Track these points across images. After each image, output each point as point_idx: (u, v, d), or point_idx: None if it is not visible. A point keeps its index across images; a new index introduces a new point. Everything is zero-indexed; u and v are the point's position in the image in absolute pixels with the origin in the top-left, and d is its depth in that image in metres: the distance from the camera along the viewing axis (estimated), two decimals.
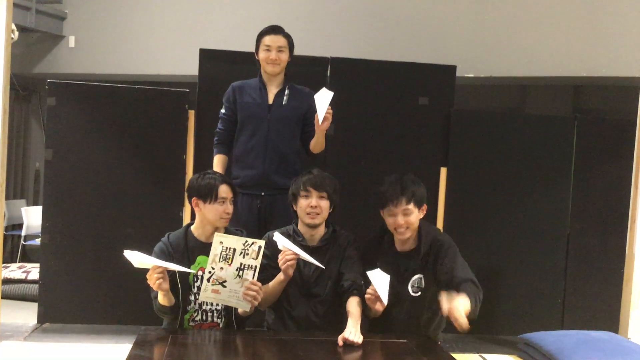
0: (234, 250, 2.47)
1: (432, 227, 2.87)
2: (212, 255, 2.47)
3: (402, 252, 2.78)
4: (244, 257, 2.47)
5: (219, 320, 2.67)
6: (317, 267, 2.72)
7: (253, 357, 2.41)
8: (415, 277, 2.73)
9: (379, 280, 2.48)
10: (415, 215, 2.71)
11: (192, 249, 2.66)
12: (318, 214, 2.70)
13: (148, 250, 2.63)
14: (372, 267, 2.76)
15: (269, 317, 2.83)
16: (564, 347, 2.88)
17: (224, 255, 2.47)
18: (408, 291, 2.73)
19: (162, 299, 2.54)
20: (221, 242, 2.47)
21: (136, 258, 2.42)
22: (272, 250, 2.68)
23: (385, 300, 2.47)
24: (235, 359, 2.41)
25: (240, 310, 2.60)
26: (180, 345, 2.39)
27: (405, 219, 2.69)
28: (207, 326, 2.66)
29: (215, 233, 2.51)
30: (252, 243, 2.48)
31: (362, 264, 2.78)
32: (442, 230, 3.74)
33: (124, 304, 3.70)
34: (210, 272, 2.48)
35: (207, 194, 2.64)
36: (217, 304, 2.66)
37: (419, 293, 2.73)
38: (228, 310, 2.66)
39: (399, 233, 2.71)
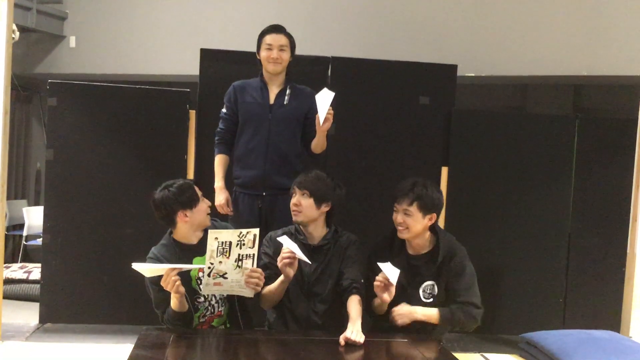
0: (230, 243, 2.47)
1: (448, 236, 2.84)
2: (208, 251, 2.46)
3: (414, 256, 2.77)
4: (240, 247, 2.48)
5: (222, 309, 2.69)
6: (318, 266, 2.73)
7: (254, 357, 2.41)
8: (428, 283, 2.73)
9: (389, 272, 2.48)
10: (417, 219, 2.69)
11: (186, 254, 2.64)
12: (300, 212, 2.72)
13: (148, 251, 2.63)
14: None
15: (270, 316, 2.84)
16: (566, 346, 2.88)
17: (221, 250, 2.47)
18: (419, 296, 2.73)
19: (177, 305, 2.50)
20: (216, 238, 2.46)
21: (146, 268, 2.42)
22: (274, 249, 2.69)
23: (393, 288, 2.48)
24: (237, 358, 2.41)
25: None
26: (181, 345, 2.39)
27: (405, 219, 2.69)
28: (213, 318, 2.68)
29: (210, 230, 2.50)
30: (247, 233, 2.48)
31: (364, 264, 2.78)
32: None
33: (126, 304, 3.70)
34: (209, 267, 2.48)
35: (191, 200, 2.62)
36: (220, 296, 2.67)
37: (431, 300, 2.73)
38: (232, 302, 2.67)
39: (399, 231, 2.73)
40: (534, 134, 4.00)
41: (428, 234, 2.77)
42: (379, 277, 2.52)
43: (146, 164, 3.75)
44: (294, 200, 2.74)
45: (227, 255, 2.48)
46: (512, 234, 3.98)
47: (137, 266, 2.40)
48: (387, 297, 2.51)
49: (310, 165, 3.19)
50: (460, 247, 2.78)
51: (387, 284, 2.49)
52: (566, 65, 5.63)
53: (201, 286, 2.57)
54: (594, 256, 4.03)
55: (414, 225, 2.70)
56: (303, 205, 2.72)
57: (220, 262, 2.48)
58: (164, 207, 2.61)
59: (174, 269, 2.41)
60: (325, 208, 2.76)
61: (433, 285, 2.73)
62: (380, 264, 2.52)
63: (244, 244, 2.48)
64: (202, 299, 2.64)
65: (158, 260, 2.59)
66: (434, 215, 2.74)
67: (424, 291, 2.73)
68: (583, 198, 4.01)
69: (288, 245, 2.55)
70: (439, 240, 2.74)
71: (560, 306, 4.00)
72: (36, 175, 7.59)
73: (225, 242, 2.47)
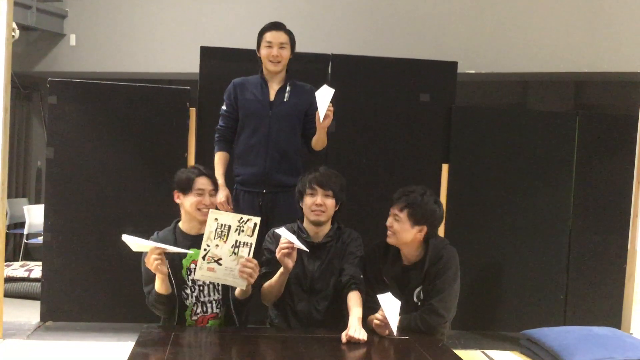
0: (229, 227, 2.45)
1: (440, 241, 2.78)
2: (207, 232, 2.45)
3: (409, 265, 2.76)
4: (239, 234, 2.46)
5: (217, 310, 2.67)
6: (321, 263, 2.73)
7: (255, 354, 2.41)
8: (419, 289, 2.73)
9: (390, 306, 2.45)
10: (405, 227, 2.65)
11: (182, 245, 2.64)
12: (323, 212, 2.71)
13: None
14: (376, 274, 2.75)
15: (272, 312, 2.84)
16: (566, 343, 2.88)
17: (219, 232, 2.45)
18: (414, 301, 2.73)
19: (160, 286, 2.52)
20: (216, 219, 2.45)
21: (134, 242, 2.42)
22: (276, 245, 2.68)
23: (394, 329, 2.44)
24: (237, 356, 2.41)
25: (237, 292, 2.58)
26: (182, 342, 2.40)
27: (392, 223, 2.67)
28: (207, 318, 2.67)
29: (211, 210, 2.50)
30: (248, 220, 2.46)
31: (363, 263, 2.78)
32: (444, 228, 3.76)
33: (126, 301, 3.71)
34: (205, 249, 2.46)
35: (186, 186, 2.68)
36: (215, 294, 2.65)
37: (419, 303, 2.72)
38: (226, 300, 2.66)
39: (387, 235, 2.71)
40: (534, 131, 4.00)
41: (420, 244, 2.73)
42: (378, 317, 2.50)
43: (146, 162, 3.75)
44: (316, 200, 2.70)
45: (225, 239, 2.46)
46: (513, 230, 3.98)
47: (126, 238, 2.41)
48: (387, 333, 2.50)
49: (310, 162, 3.19)
50: (449, 252, 2.71)
51: (386, 323, 2.45)
52: (567, 61, 5.62)
53: (195, 268, 2.53)
54: (595, 253, 4.03)
55: (401, 231, 2.66)
56: (327, 206, 2.71)
57: (217, 245, 2.45)
58: (174, 177, 2.74)
59: (159, 248, 2.42)
60: (337, 207, 2.77)
61: (420, 290, 2.72)
62: (379, 297, 2.49)
63: (242, 231, 2.46)
64: (188, 290, 2.63)
65: (155, 241, 2.59)
66: (425, 227, 2.67)
67: (417, 296, 2.73)
68: (584, 195, 4.01)
69: (286, 236, 2.54)
70: (428, 247, 2.71)
71: (561, 303, 4.00)
72: (37, 173, 7.60)
73: (225, 224, 2.45)
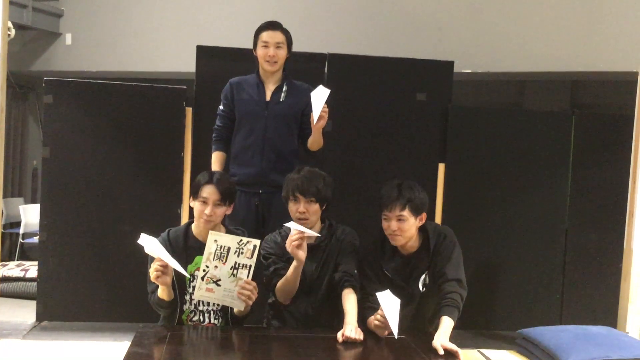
0: (229, 248, 2.47)
1: (435, 224, 2.86)
2: (206, 253, 2.47)
3: (409, 255, 2.77)
4: (238, 256, 2.47)
5: (216, 321, 2.67)
6: (318, 264, 2.73)
7: (252, 354, 2.41)
8: (425, 275, 2.74)
9: (389, 305, 2.44)
10: (411, 223, 2.66)
11: (191, 249, 2.65)
12: (307, 219, 2.71)
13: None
14: (376, 272, 2.75)
15: (269, 314, 2.84)
16: (562, 342, 2.88)
17: (219, 254, 2.46)
18: (419, 289, 2.73)
19: (162, 292, 2.54)
20: (216, 241, 2.47)
21: (148, 245, 2.43)
22: (278, 245, 2.71)
23: (395, 330, 2.42)
24: (234, 356, 2.41)
25: (235, 310, 2.60)
26: (178, 342, 2.39)
27: (399, 225, 2.65)
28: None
29: (210, 231, 2.51)
30: (247, 242, 2.48)
31: (358, 258, 2.79)
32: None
33: (123, 301, 3.70)
34: (204, 270, 2.48)
35: (194, 191, 2.67)
36: (214, 305, 2.65)
37: (425, 289, 2.73)
38: (225, 311, 2.66)
39: (392, 238, 2.69)
40: (531, 131, 4.00)
41: (417, 231, 2.76)
42: (378, 317, 2.51)
43: (143, 162, 3.74)
44: (300, 208, 2.69)
45: (224, 261, 2.48)
46: (509, 230, 3.98)
47: (143, 238, 2.42)
48: (387, 333, 2.50)
49: (307, 162, 3.19)
50: (447, 229, 2.80)
51: (387, 323, 2.45)
52: (563, 61, 5.64)
53: (192, 289, 2.56)
54: (591, 252, 4.03)
55: (408, 229, 2.67)
56: (310, 212, 2.71)
57: (216, 266, 2.47)
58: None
59: (162, 260, 2.42)
60: (324, 207, 2.77)
61: (426, 275, 2.73)
62: (378, 295, 2.48)
63: (242, 253, 2.48)
64: (188, 296, 2.64)
65: (164, 244, 2.59)
66: (424, 214, 2.72)
67: (422, 284, 2.73)
68: (580, 194, 4.02)
69: (295, 227, 2.54)
70: (427, 231, 2.74)
71: (557, 302, 4.01)
72: (32, 173, 7.58)
73: (224, 246, 2.47)
